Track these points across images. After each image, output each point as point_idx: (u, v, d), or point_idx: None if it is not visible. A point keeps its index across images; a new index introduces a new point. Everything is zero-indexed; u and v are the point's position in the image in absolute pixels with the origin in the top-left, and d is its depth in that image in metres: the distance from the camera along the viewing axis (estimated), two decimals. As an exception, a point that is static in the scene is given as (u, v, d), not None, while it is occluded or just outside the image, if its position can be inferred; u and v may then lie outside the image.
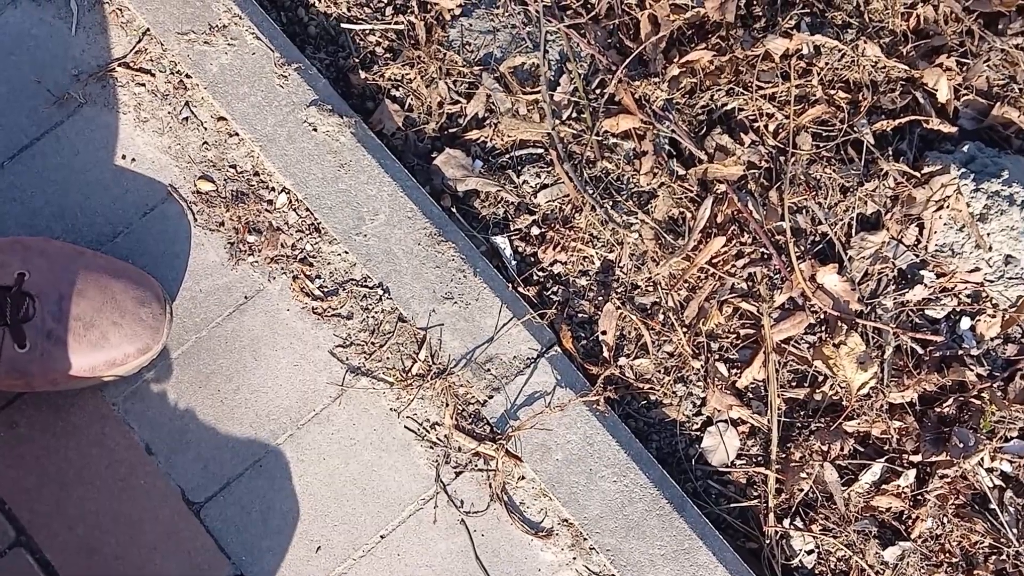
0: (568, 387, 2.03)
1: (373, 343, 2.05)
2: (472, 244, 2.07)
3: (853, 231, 2.14)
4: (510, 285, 2.09)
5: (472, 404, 2.00)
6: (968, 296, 2.12)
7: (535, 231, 2.19)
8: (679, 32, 2.23)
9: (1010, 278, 2.11)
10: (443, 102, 2.20)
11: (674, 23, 2.20)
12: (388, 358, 2.05)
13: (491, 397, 2.03)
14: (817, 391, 2.08)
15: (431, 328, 2.05)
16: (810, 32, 2.22)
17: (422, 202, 2.08)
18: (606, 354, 2.10)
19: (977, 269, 2.13)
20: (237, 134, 2.06)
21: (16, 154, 2.01)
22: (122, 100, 2.05)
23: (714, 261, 2.14)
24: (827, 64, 2.20)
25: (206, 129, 2.07)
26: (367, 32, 2.24)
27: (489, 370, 2.03)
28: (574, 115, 2.21)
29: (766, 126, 2.21)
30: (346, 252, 2.05)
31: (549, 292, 2.15)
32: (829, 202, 2.17)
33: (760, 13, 2.27)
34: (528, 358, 2.03)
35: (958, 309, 2.10)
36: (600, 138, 2.18)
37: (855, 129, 2.17)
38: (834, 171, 2.15)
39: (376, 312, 2.06)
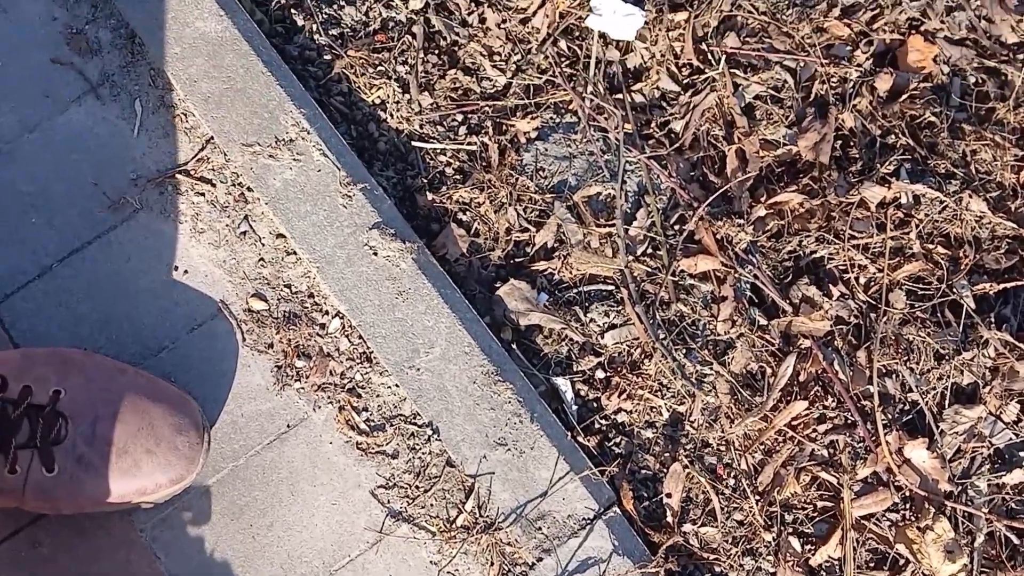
0: (626, 555, 1.89)
1: (418, 487, 1.94)
2: (530, 385, 1.96)
3: (947, 402, 2.00)
4: (569, 434, 1.97)
5: (519, 565, 1.87)
6: (1074, 484, 1.86)
7: (600, 375, 2.07)
8: (768, 170, 2.13)
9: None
10: (511, 228, 2.10)
11: (763, 160, 2.12)
12: (432, 505, 1.94)
13: (540, 560, 1.89)
14: (898, 576, 1.81)
15: (480, 476, 1.92)
16: (910, 180, 2.11)
17: (481, 336, 1.98)
18: (670, 519, 1.96)
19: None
20: (295, 253, 2.01)
21: (66, 256, 1.95)
22: (180, 208, 2.00)
23: (794, 424, 2.00)
24: (927, 216, 2.09)
25: (264, 245, 2.02)
26: (438, 152, 2.18)
27: (540, 528, 1.89)
28: (649, 251, 2.12)
29: (857, 279, 2.10)
30: (397, 385, 1.96)
31: (611, 443, 2.01)
32: (921, 368, 2.03)
33: (856, 156, 2.18)
34: (584, 518, 1.90)
35: (1062, 497, 1.86)
36: (676, 278, 2.07)
37: (954, 290, 2.04)
38: (929, 334, 2.02)
39: (423, 453, 1.96)
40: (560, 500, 1.91)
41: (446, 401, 1.96)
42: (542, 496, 1.90)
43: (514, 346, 2.00)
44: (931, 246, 2.08)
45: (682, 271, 2.08)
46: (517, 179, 2.14)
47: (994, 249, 2.10)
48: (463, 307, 1.97)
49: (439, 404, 1.95)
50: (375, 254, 2.02)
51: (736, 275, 2.07)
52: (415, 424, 1.97)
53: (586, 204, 2.15)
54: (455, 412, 1.95)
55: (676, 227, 2.13)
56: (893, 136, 2.15)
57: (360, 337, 1.98)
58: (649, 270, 2.09)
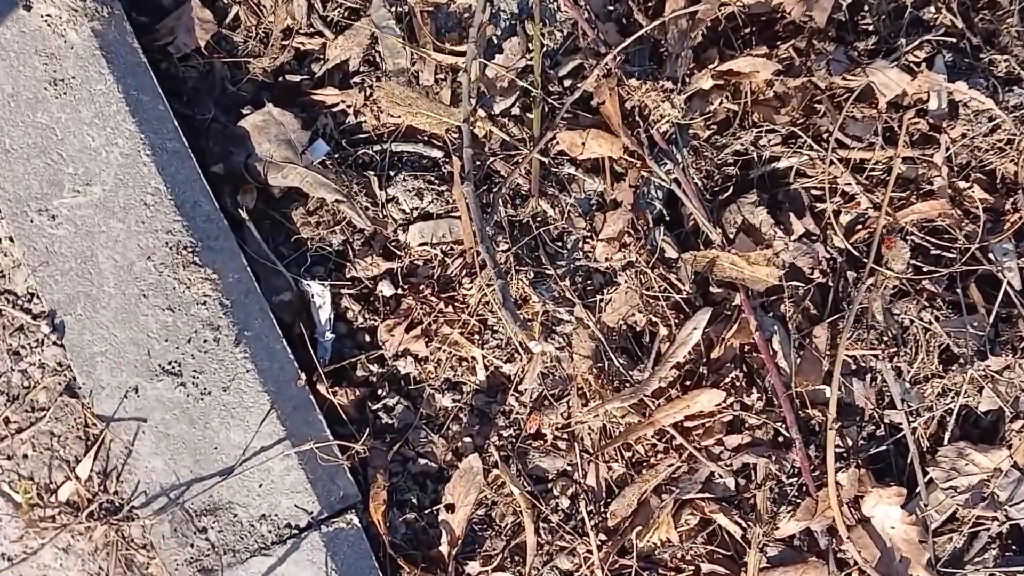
0: None
1: (9, 421, 1.39)
2: (257, 285, 1.49)
3: (947, 435, 1.56)
4: (302, 377, 1.46)
5: (152, 586, 1.36)
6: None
7: (386, 290, 1.56)
8: (730, 24, 1.69)
9: None
10: (294, 28, 1.59)
11: (725, 5, 1.65)
12: (27, 457, 1.39)
13: (189, 585, 1.34)
14: None
15: (120, 422, 1.39)
16: (948, 77, 1.66)
17: (184, 185, 1.46)
18: (444, 547, 1.47)
19: None
20: None
21: None
22: None
23: (689, 426, 1.52)
24: (966, 136, 1.64)
25: None
26: None
27: (206, 531, 1.36)
28: (514, 112, 1.62)
29: (837, 212, 1.64)
30: (10, 240, 1.42)
31: (378, 406, 1.53)
32: (917, 372, 1.56)
33: (871, 26, 1.71)
34: (289, 525, 1.38)
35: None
36: (548, 160, 1.60)
37: (990, 256, 1.60)
38: (938, 319, 1.56)
39: (30, 364, 1.41)
40: (255, 487, 1.40)
41: (89, 280, 1.41)
42: (224, 475, 1.37)
43: (249, 219, 1.50)
44: (965, 184, 1.61)
45: (560, 152, 1.61)
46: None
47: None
48: (166, 130, 1.47)
49: (75, 284, 1.41)
50: (27, 7, 1.42)
51: (644, 172, 1.58)
52: (27, 311, 1.42)
53: (428, 13, 1.60)
54: (100, 304, 1.41)
55: (565, 82, 1.64)
56: (934, 8, 1.69)
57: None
58: (507, 139, 1.58)
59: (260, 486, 1.38)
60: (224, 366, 1.39)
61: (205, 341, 1.39)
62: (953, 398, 1.55)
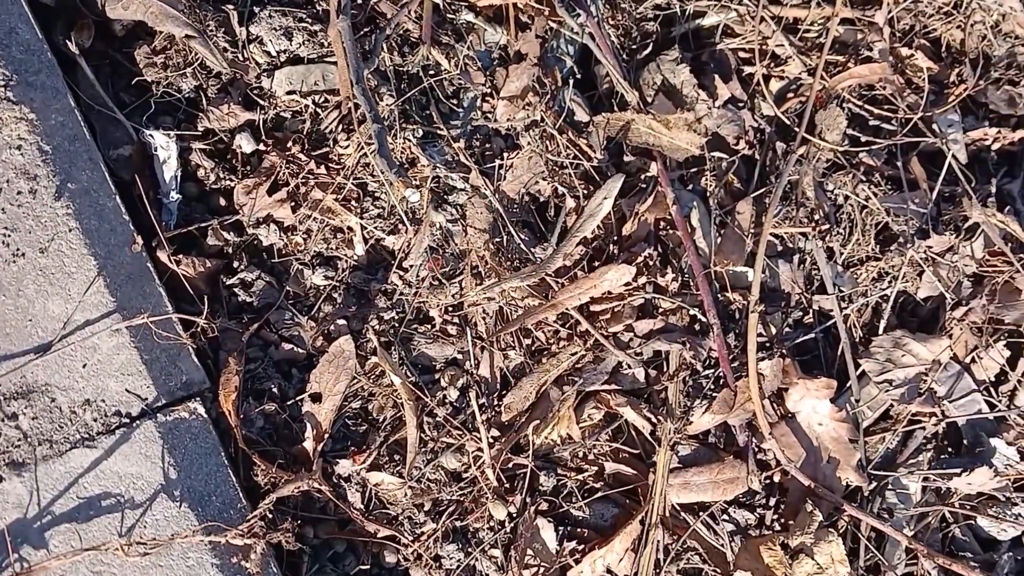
0: (189, 499, 1.17)
1: None
2: (86, 131, 1.26)
3: (882, 324, 1.41)
4: (138, 241, 1.25)
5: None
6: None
7: (245, 145, 1.35)
8: None
9: None
10: None
11: None
12: None
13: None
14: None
15: None
16: None
17: None
18: (308, 444, 1.28)
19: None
20: None
21: None
22: None
23: (595, 310, 1.35)
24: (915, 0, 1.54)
25: None
26: None
27: (17, 419, 1.15)
28: None
29: (768, 76, 1.49)
30: None
31: (234, 278, 1.32)
32: (851, 254, 1.42)
33: None
34: (120, 412, 1.18)
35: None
36: (444, 2, 1.40)
37: (934, 128, 1.47)
38: (876, 195, 1.42)
39: None
40: (77, 367, 1.20)
41: None
42: (39, 352, 1.18)
43: (82, 57, 1.28)
44: (907, 52, 1.47)
45: None
46: None
47: (1012, 79, 1.48)
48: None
49: None
50: None
51: (553, 22, 1.42)
52: None
53: None
54: None
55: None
56: None
57: None
58: None
59: (84, 366, 1.18)
60: (41, 223, 1.19)
61: (19, 192, 1.19)
62: (890, 283, 1.42)
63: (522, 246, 1.31)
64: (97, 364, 1.14)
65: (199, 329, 1.22)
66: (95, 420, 1.15)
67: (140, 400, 1.14)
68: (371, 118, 1.17)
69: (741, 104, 1.41)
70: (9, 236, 1.14)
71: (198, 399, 1.21)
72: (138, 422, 1.19)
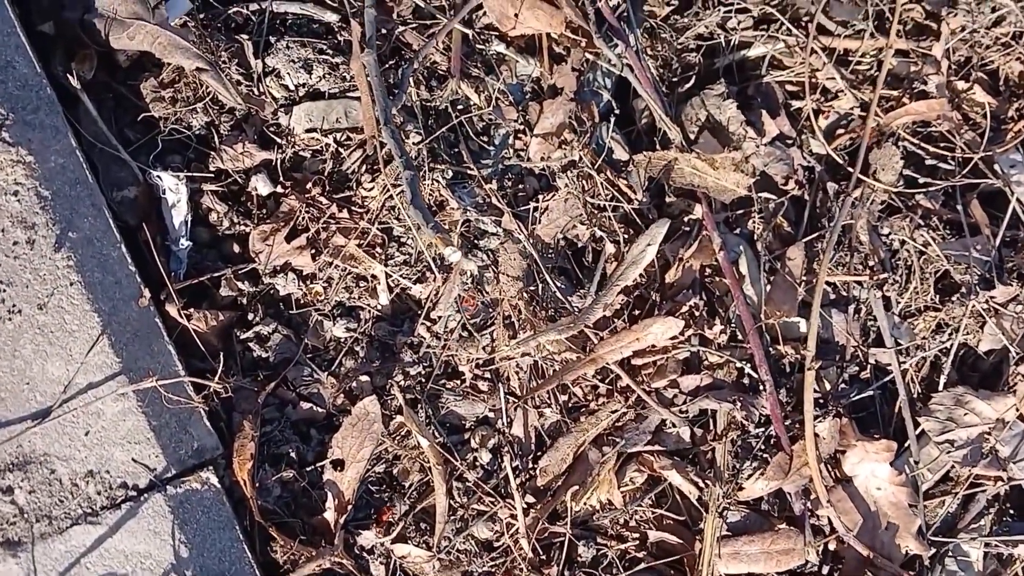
0: None
1: None
2: (89, 174, 1.18)
3: (943, 380, 1.35)
4: (144, 295, 1.17)
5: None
6: None
7: (262, 187, 1.28)
8: None
9: None
10: None
11: None
12: None
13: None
14: None
15: None
16: None
17: None
18: (329, 514, 1.19)
19: None
20: None
21: None
22: None
23: (637, 364, 1.27)
24: (966, 27, 1.42)
25: None
26: None
27: (13, 492, 1.07)
28: None
29: (817, 111, 1.43)
30: None
31: (247, 335, 1.24)
32: (907, 304, 1.35)
33: None
34: (127, 484, 1.11)
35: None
36: (472, 33, 1.33)
37: (995, 168, 1.40)
38: (934, 240, 1.36)
39: None
40: (79, 435, 1.11)
41: None
42: (38, 419, 1.10)
43: (83, 92, 1.20)
44: (964, 85, 1.40)
45: (488, 26, 1.37)
46: None
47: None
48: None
49: None
50: None
51: (588, 52, 1.36)
52: None
53: None
54: None
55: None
56: None
57: None
58: (421, 3, 1.33)
59: (87, 434, 1.12)
60: (40, 276, 1.12)
61: (15, 243, 1.12)
62: (951, 335, 1.36)
63: (558, 294, 1.24)
64: (101, 431, 1.07)
65: (211, 391, 1.13)
66: (99, 493, 1.09)
67: (148, 470, 1.08)
68: (402, 163, 1.09)
69: (790, 141, 1.35)
70: (5, 291, 1.06)
71: (210, 467, 1.16)
72: (146, 495, 1.13)
